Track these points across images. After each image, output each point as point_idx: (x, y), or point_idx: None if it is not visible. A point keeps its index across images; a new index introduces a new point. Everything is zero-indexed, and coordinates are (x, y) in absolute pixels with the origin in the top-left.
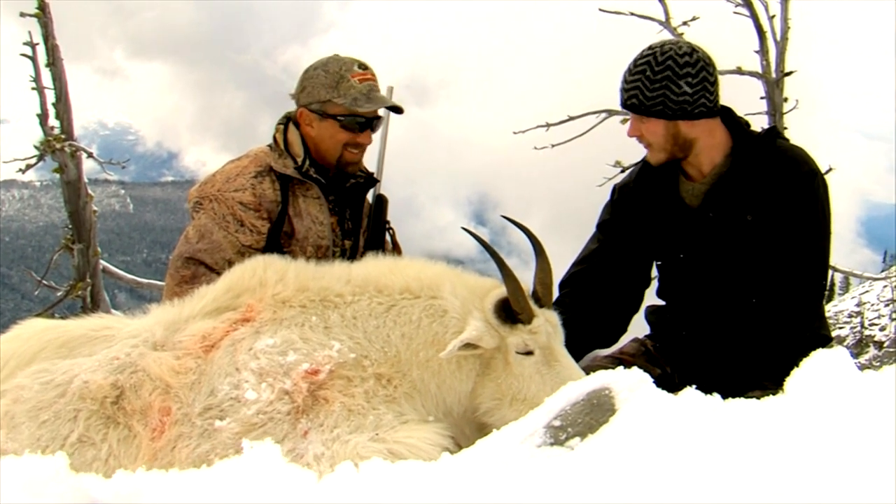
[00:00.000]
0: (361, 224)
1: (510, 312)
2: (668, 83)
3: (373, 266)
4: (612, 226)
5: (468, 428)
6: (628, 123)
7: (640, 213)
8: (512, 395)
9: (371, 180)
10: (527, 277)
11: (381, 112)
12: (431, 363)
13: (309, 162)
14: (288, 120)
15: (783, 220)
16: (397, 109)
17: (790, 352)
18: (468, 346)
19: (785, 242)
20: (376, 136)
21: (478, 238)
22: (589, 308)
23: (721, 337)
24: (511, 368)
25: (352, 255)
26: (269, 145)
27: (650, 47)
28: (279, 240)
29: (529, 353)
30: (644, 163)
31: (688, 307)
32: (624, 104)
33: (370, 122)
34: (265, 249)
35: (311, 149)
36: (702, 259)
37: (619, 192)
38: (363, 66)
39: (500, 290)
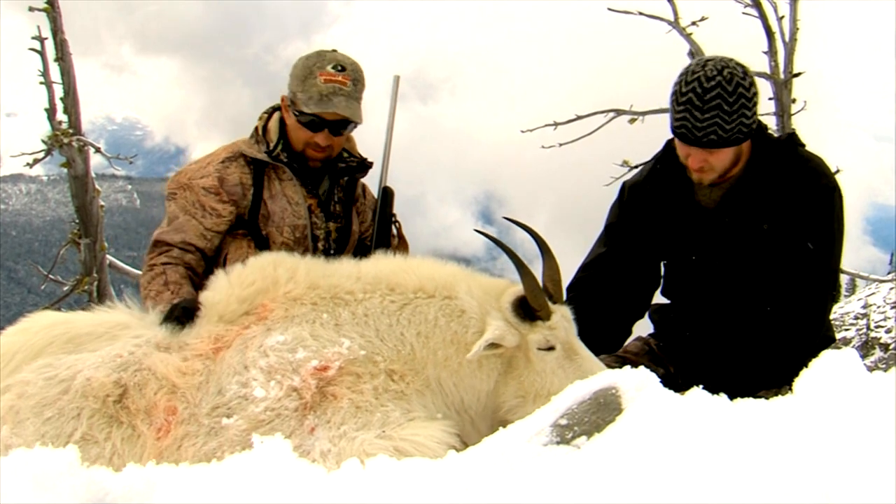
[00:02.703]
0: (351, 207)
1: (529, 310)
2: (742, 111)
3: (383, 264)
4: (619, 228)
5: (483, 425)
6: (688, 154)
7: (652, 212)
8: (535, 391)
9: (363, 165)
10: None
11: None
12: (450, 361)
13: (281, 147)
14: (274, 110)
15: (798, 232)
16: (350, 121)
17: (795, 357)
18: (491, 345)
19: (798, 254)
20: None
21: (493, 239)
22: (594, 315)
23: (727, 339)
24: (533, 365)
25: (339, 238)
26: (251, 135)
27: (707, 76)
28: (257, 222)
29: (551, 348)
30: (657, 162)
31: (694, 307)
32: (698, 142)
33: (328, 125)
34: (243, 230)
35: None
36: (713, 261)
37: (629, 190)
38: (339, 67)
39: (515, 289)
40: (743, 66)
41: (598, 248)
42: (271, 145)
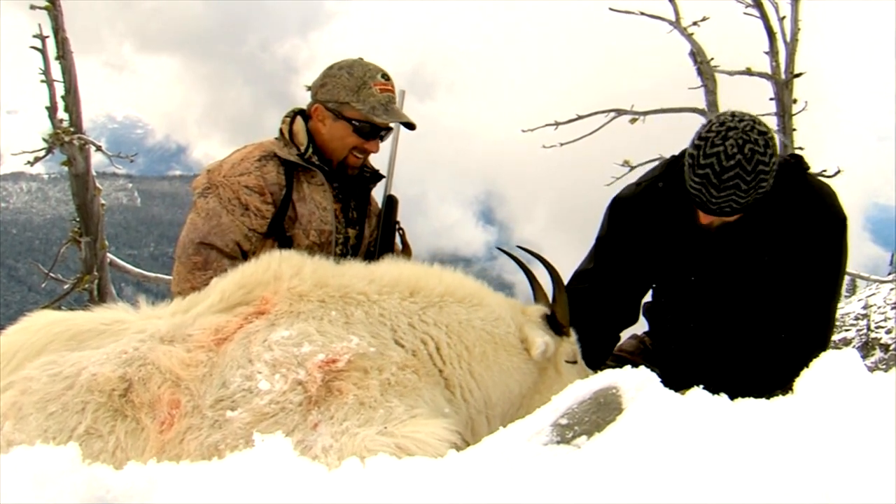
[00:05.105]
0: (366, 216)
1: (556, 325)
2: (760, 184)
3: (401, 268)
4: (609, 244)
5: (497, 423)
6: (700, 214)
7: (648, 230)
8: None
9: (376, 176)
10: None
11: (392, 124)
12: (487, 358)
13: (312, 150)
14: (295, 114)
15: (804, 263)
16: (410, 126)
17: (792, 379)
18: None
19: (803, 283)
20: (385, 145)
21: (518, 260)
22: (583, 328)
23: (725, 363)
24: (562, 377)
25: (356, 244)
26: (276, 137)
27: (728, 154)
28: (283, 224)
29: (575, 362)
30: (658, 180)
31: (690, 328)
32: (712, 213)
33: (380, 132)
34: (269, 233)
35: (316, 142)
36: (713, 283)
37: (622, 206)
38: (386, 77)
39: (539, 307)
40: (765, 135)
41: (588, 262)
42: (301, 148)
